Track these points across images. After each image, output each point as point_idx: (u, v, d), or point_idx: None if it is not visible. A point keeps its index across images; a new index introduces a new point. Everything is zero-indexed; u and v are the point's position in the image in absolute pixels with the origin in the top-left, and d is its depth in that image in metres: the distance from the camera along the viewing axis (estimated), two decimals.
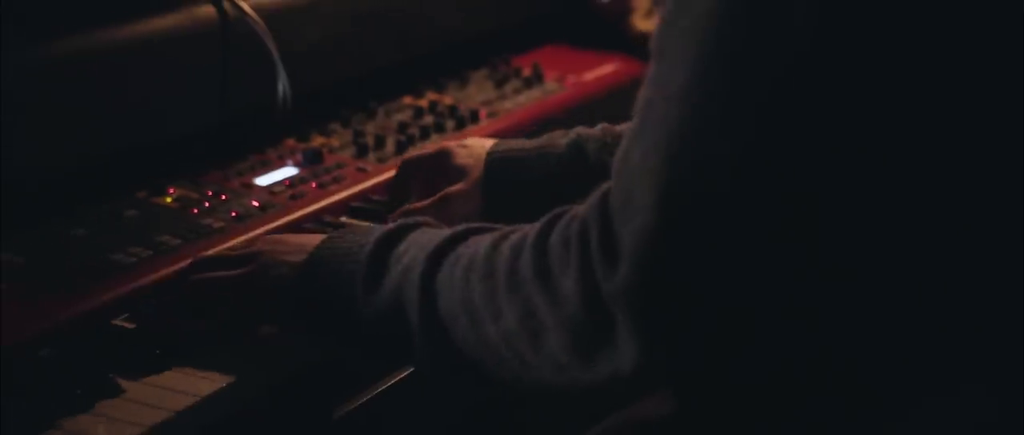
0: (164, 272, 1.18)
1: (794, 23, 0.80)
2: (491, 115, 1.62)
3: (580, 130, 1.31)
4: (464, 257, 0.96)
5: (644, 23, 1.87)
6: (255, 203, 1.33)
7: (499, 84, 1.73)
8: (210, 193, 1.34)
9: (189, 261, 1.18)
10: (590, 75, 1.80)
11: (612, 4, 1.88)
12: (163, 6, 1.39)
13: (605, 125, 1.31)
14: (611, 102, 1.73)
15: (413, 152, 1.45)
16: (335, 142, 1.50)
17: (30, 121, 1.25)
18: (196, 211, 1.30)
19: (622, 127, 1.31)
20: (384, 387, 1.11)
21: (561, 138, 1.31)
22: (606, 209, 0.86)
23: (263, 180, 1.39)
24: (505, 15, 1.84)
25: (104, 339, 1.09)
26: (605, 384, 0.88)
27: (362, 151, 1.48)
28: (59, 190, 1.28)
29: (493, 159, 1.30)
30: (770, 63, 0.81)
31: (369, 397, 1.10)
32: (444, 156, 1.33)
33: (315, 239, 1.08)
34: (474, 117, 1.60)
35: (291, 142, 1.49)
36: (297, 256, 1.07)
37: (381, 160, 1.47)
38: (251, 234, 1.26)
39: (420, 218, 1.06)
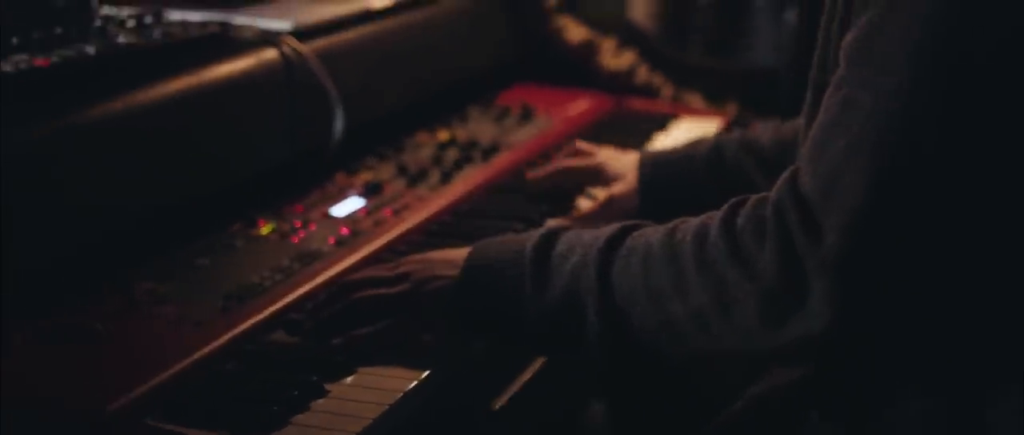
0: (300, 292, 1.28)
1: (1002, 27, 0.94)
2: (506, 147, 1.76)
3: (720, 136, 1.50)
4: (638, 249, 1.09)
5: (613, 61, 2.04)
6: (345, 230, 1.43)
7: (497, 120, 1.87)
8: (298, 224, 1.44)
9: (333, 280, 1.29)
10: (572, 110, 1.96)
11: (580, 46, 2.04)
12: (232, 50, 1.49)
13: (742, 130, 1.50)
14: (598, 131, 1.90)
15: (473, 169, 1.61)
16: (383, 175, 1.62)
17: (137, 166, 1.33)
18: (296, 240, 1.40)
19: (757, 131, 1.49)
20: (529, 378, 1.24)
21: (702, 144, 1.50)
22: (798, 191, 0.99)
23: (337, 211, 1.49)
24: (496, 58, 1.99)
25: (275, 352, 1.18)
26: (792, 347, 1.01)
27: (412, 181, 1.60)
28: (164, 225, 1.36)
29: (645, 165, 1.50)
30: (980, 64, 0.94)
31: (520, 388, 1.22)
32: (599, 168, 1.53)
33: (459, 253, 1.20)
34: (495, 149, 1.74)
35: (341, 176, 1.60)
36: (449, 270, 1.19)
37: (431, 188, 1.59)
38: (358, 256, 1.37)
39: (560, 225, 1.19)
